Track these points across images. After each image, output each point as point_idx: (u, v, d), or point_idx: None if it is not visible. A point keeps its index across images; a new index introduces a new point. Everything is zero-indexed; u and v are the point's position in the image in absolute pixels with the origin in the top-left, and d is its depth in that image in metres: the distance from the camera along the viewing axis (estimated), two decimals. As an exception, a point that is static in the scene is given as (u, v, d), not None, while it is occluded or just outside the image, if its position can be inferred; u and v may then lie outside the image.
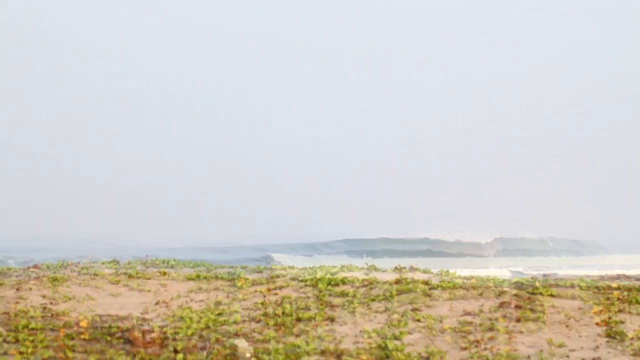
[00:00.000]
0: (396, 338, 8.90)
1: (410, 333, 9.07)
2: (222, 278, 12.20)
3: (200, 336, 9.00)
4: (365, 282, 11.39)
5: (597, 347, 8.66)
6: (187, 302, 11.12)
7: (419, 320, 9.52)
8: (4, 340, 8.83)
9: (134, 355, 8.53)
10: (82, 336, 8.98)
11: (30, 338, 8.80)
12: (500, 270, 41.21)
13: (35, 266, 13.20)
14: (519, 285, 10.89)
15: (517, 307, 9.85)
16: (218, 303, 10.81)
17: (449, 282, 11.09)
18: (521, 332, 9.01)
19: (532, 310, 9.72)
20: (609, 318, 9.33)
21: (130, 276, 12.41)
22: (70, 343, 8.72)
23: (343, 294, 10.90)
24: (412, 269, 12.23)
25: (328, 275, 11.69)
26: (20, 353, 8.45)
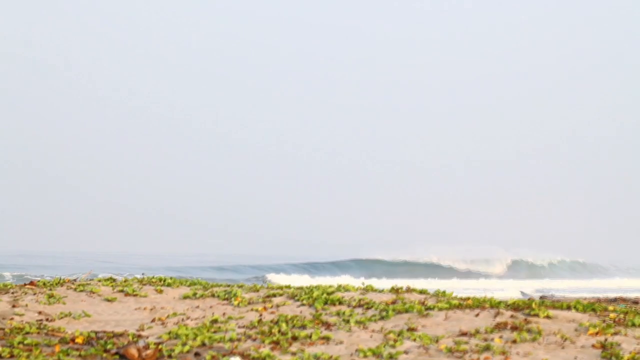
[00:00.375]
0: (392, 357, 8.90)
1: (406, 352, 9.07)
2: (218, 296, 12.20)
3: (196, 353, 8.99)
4: (362, 302, 11.39)
5: (593, 368, 8.66)
6: (183, 319, 11.12)
7: (414, 340, 9.52)
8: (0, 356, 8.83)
9: (129, 373, 8.53)
10: (78, 352, 8.98)
11: (26, 354, 8.80)
12: (502, 292, 41.10)
13: (31, 283, 13.18)
14: (515, 307, 10.88)
15: (513, 328, 9.85)
16: (214, 321, 10.81)
17: (445, 302, 11.09)
18: (517, 354, 9.01)
19: (528, 331, 9.72)
20: (605, 340, 9.34)
21: (126, 294, 12.42)
22: (66, 359, 8.71)
23: (339, 314, 10.91)
24: (409, 290, 12.21)
25: (324, 295, 11.69)
26: (15, 369, 8.45)
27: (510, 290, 45.34)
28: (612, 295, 29.35)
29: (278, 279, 50.16)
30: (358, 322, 10.42)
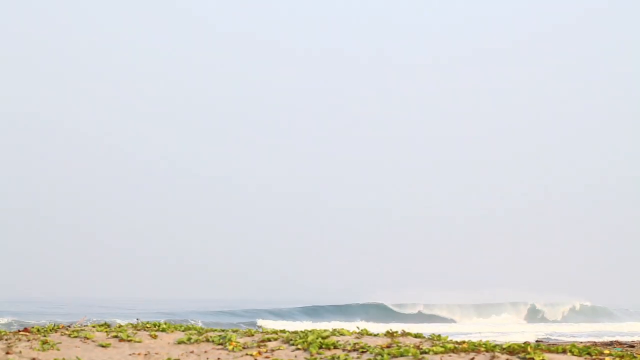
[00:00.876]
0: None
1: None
2: (213, 341, 12.16)
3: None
4: (357, 346, 11.36)
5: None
6: (177, 365, 11.09)
7: (409, 385, 9.49)
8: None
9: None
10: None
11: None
12: (509, 336, 40.74)
13: (25, 329, 13.15)
14: (511, 350, 10.84)
15: (509, 372, 9.81)
16: (208, 366, 10.78)
17: (440, 346, 11.05)
18: (512, 397, 8.97)
19: (523, 375, 9.68)
20: (601, 383, 9.30)
21: (121, 339, 12.38)
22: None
23: (334, 358, 10.88)
24: (404, 334, 12.18)
25: (319, 339, 11.65)
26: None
27: (515, 334, 44.89)
28: (609, 338, 29.28)
29: (274, 324, 49.85)
30: (353, 367, 10.38)
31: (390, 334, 12.08)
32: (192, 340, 12.24)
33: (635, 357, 10.82)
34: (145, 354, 11.68)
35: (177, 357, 11.47)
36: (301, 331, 12.52)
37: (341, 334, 12.20)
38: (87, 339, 12.41)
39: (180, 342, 12.23)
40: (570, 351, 10.89)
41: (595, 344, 19.51)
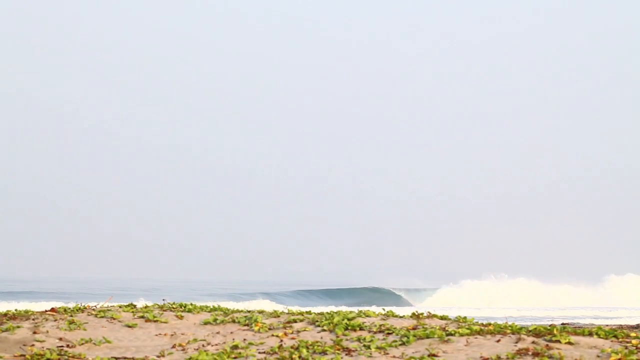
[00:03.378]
0: (413, 383, 8.87)
1: (427, 379, 9.03)
2: (239, 322, 12.20)
3: (217, 379, 9.00)
4: (382, 328, 11.37)
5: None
6: (203, 345, 11.13)
7: (436, 366, 9.49)
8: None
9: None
10: (99, 378, 9.00)
11: (47, 380, 8.82)
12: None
13: (52, 309, 13.22)
14: (537, 333, 10.83)
15: (535, 354, 9.80)
16: (235, 347, 10.82)
17: (466, 328, 11.05)
18: (539, 379, 8.95)
19: (549, 357, 9.67)
20: (628, 366, 9.28)
21: (147, 320, 12.43)
22: (87, 385, 8.74)
23: (360, 339, 10.89)
24: (430, 316, 12.17)
25: (345, 321, 11.67)
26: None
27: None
28: (634, 322, 29.18)
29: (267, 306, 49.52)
30: (379, 348, 10.40)
31: (416, 316, 12.08)
32: (218, 321, 12.27)
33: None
34: (172, 335, 11.72)
35: (203, 338, 11.51)
36: (327, 312, 12.54)
37: (367, 316, 12.20)
38: (114, 319, 12.46)
39: (206, 323, 12.27)
40: (597, 334, 10.85)
41: (621, 326, 19.45)
